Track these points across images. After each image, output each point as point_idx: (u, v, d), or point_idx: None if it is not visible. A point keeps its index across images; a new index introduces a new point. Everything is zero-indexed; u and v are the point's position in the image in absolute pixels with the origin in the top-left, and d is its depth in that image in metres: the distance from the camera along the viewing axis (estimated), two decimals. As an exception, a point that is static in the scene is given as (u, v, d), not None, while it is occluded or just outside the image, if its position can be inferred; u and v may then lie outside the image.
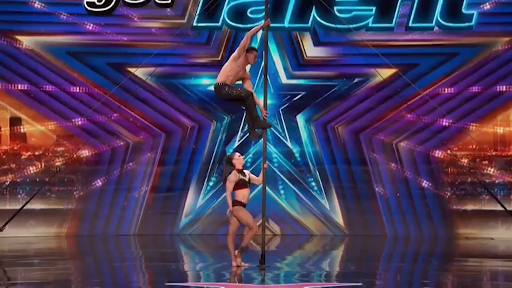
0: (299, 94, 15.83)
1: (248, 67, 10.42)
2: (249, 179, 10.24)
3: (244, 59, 10.26)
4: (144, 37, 15.57)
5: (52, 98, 15.62)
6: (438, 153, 15.80)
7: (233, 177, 10.11)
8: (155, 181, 15.85)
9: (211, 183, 15.82)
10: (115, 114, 15.24)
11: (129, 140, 15.80)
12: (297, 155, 15.88)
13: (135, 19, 15.60)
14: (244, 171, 10.25)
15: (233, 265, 10.25)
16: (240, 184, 10.13)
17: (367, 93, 15.82)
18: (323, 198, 15.85)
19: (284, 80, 15.81)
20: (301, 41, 15.70)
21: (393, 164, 15.84)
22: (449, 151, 15.55)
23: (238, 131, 15.79)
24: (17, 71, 15.57)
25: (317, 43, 15.70)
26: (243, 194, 10.16)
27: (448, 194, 15.82)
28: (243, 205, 10.15)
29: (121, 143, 15.78)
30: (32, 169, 15.67)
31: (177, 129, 15.86)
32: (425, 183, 15.80)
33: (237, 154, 10.30)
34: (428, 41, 15.62)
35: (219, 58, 15.55)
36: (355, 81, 15.79)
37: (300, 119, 15.87)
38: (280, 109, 15.82)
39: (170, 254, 13.48)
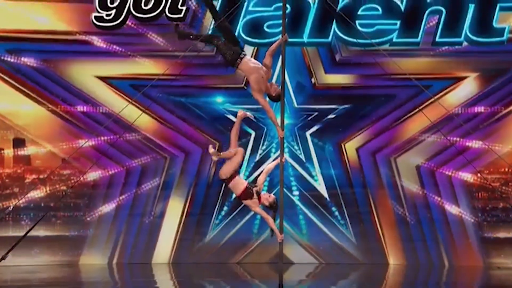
0: (328, 111, 15.75)
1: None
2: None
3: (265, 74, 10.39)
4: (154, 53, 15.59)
5: (58, 117, 15.61)
6: (467, 177, 15.65)
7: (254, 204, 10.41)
8: (168, 206, 15.76)
9: (225, 208, 15.74)
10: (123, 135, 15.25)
11: (142, 162, 15.75)
12: (316, 178, 15.77)
13: (147, 34, 15.61)
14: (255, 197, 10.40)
15: None
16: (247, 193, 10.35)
17: (387, 111, 15.75)
18: (346, 224, 15.71)
19: (314, 85, 15.72)
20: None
21: (416, 187, 15.71)
22: (479, 175, 15.38)
23: (256, 152, 15.70)
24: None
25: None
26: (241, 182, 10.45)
27: (479, 220, 15.65)
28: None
29: (133, 164, 15.73)
30: (36, 194, 15.63)
31: (196, 149, 15.80)
32: (453, 208, 15.63)
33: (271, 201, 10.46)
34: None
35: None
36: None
37: (322, 140, 15.79)
38: (309, 133, 15.74)
39: (183, 283, 13.41)
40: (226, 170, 10.42)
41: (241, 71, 10.50)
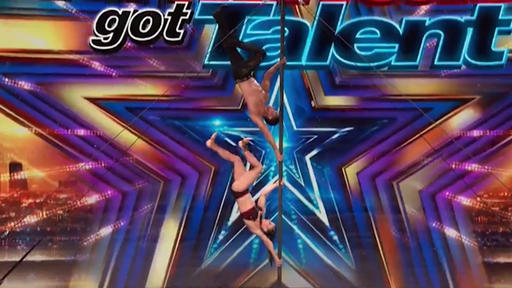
0: (328, 134, 15.67)
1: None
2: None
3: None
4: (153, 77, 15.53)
5: (54, 142, 15.53)
6: (466, 201, 15.55)
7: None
8: (164, 230, 15.63)
9: (223, 232, 15.62)
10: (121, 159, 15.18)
11: (138, 186, 15.66)
12: (315, 202, 15.66)
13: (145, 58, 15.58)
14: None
15: None
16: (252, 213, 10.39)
17: (387, 135, 15.68)
18: (346, 249, 15.59)
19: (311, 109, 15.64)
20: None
21: (418, 212, 15.60)
22: (478, 199, 15.29)
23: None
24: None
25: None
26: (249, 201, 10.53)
27: (479, 245, 15.53)
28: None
29: (130, 189, 15.64)
30: (33, 218, 15.50)
31: (192, 173, 15.68)
32: (451, 232, 15.52)
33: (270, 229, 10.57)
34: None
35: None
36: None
37: (321, 163, 15.69)
38: (308, 156, 15.64)
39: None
40: (241, 184, 10.48)
41: (241, 89, 10.41)
